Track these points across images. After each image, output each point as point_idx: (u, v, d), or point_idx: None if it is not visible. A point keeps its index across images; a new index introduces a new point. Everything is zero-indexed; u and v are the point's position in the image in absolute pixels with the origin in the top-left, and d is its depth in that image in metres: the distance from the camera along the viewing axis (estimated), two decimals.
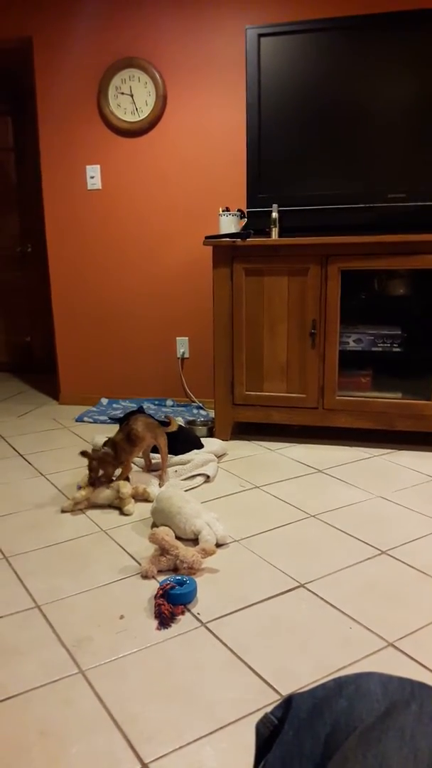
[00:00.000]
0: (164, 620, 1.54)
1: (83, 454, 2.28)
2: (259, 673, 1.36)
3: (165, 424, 2.57)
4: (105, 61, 3.42)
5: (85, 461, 2.30)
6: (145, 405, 3.62)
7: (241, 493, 2.40)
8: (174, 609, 1.58)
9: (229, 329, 2.90)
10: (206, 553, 1.81)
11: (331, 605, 1.62)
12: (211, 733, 1.19)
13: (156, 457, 2.58)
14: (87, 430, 3.30)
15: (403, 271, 2.95)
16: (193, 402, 3.71)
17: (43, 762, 1.13)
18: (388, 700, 0.55)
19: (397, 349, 2.88)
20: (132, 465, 2.68)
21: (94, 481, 2.27)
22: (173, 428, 2.55)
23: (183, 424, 3.02)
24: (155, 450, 2.55)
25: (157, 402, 3.70)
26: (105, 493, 2.26)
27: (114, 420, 2.71)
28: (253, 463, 2.72)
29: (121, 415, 2.71)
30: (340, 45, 2.71)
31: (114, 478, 2.35)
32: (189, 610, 1.60)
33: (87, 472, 2.32)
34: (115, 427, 2.58)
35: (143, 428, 2.40)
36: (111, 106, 3.44)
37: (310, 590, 1.69)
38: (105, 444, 2.33)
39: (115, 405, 3.71)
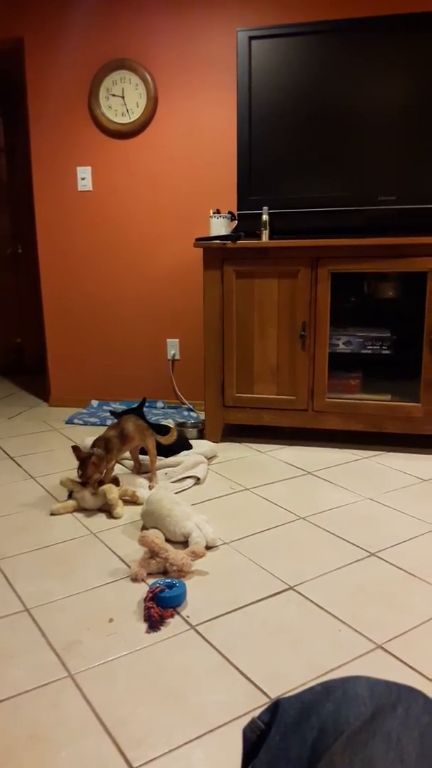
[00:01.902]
0: (154, 623, 1.54)
1: (75, 449, 2.27)
2: (248, 675, 1.36)
3: (166, 430, 2.58)
4: (96, 63, 3.42)
5: (75, 463, 2.29)
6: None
7: (231, 495, 2.40)
8: (163, 612, 1.58)
9: (220, 331, 2.90)
10: (196, 556, 1.81)
11: (321, 607, 1.62)
12: (200, 736, 1.20)
13: (145, 459, 2.58)
14: (77, 432, 3.29)
15: (392, 274, 2.97)
16: (184, 404, 3.71)
17: (32, 766, 1.13)
18: (374, 704, 0.56)
19: (387, 352, 2.89)
20: (121, 466, 2.68)
21: (84, 482, 2.26)
22: (169, 440, 2.53)
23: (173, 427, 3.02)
24: (144, 452, 2.55)
25: (147, 404, 3.70)
26: (93, 499, 2.26)
27: (114, 414, 2.71)
28: (243, 465, 2.72)
29: (121, 411, 2.71)
30: (331, 48, 2.72)
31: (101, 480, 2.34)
32: (178, 613, 1.60)
33: (75, 473, 2.31)
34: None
35: (133, 428, 2.41)
36: (102, 108, 3.44)
37: (299, 592, 1.69)
38: (96, 442, 2.32)
39: (105, 407, 3.70)
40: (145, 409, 3.46)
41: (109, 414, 3.50)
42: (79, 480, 2.27)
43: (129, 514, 2.23)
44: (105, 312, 3.74)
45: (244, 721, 1.19)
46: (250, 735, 0.61)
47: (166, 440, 2.52)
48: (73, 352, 3.83)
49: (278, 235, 2.82)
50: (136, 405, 2.80)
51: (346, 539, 2.00)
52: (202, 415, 3.36)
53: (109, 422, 3.34)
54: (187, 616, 1.59)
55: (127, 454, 2.61)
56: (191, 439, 2.90)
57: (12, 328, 4.96)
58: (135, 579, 1.76)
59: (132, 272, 3.65)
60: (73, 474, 2.39)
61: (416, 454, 2.81)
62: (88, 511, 2.26)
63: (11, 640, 1.50)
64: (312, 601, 1.65)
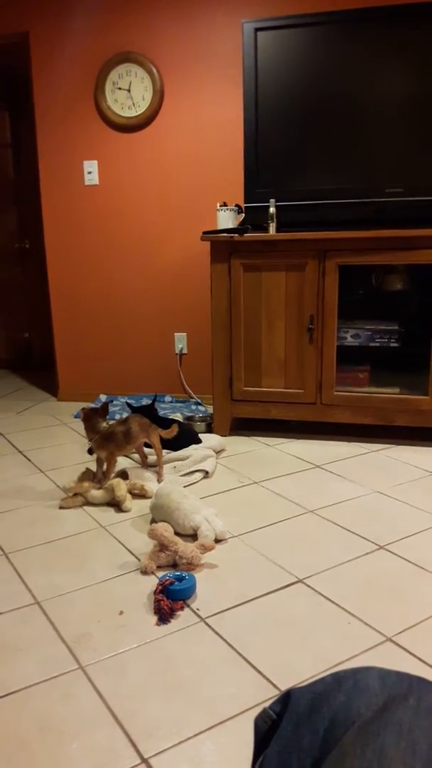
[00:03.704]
0: (164, 616, 1.55)
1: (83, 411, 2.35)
2: (258, 668, 1.37)
3: (171, 422, 2.59)
4: (102, 56, 3.41)
5: (84, 464, 2.30)
6: (144, 401, 3.61)
7: (240, 488, 2.41)
8: (173, 604, 1.58)
9: (227, 325, 2.89)
10: (205, 549, 1.82)
11: (330, 600, 1.62)
12: (210, 728, 1.20)
13: (151, 453, 2.58)
14: None
15: (400, 266, 2.95)
16: (192, 398, 3.71)
17: (43, 757, 1.14)
18: (386, 695, 0.56)
19: (395, 345, 2.88)
20: (129, 460, 2.69)
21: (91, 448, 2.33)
22: (170, 434, 2.54)
23: (182, 420, 3.03)
24: (149, 446, 2.56)
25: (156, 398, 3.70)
26: (101, 494, 2.27)
27: (130, 407, 2.72)
28: (251, 459, 2.72)
29: (137, 407, 2.73)
30: (337, 39, 2.70)
31: (104, 477, 2.37)
32: (188, 606, 1.61)
33: (82, 472, 2.36)
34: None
35: (138, 428, 2.41)
36: (108, 101, 3.43)
37: (308, 585, 1.70)
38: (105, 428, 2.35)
39: (114, 401, 3.70)
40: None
41: (118, 409, 3.51)
42: (79, 482, 2.32)
43: (138, 507, 2.24)
44: (112, 306, 3.74)
45: (254, 713, 1.19)
46: (262, 725, 0.61)
47: (167, 434, 2.52)
48: (81, 346, 3.83)
49: (285, 227, 2.81)
50: (148, 402, 2.81)
51: (355, 532, 2.00)
52: (210, 409, 3.36)
53: (117, 417, 3.35)
54: (197, 609, 1.60)
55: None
56: (200, 432, 2.89)
57: (20, 323, 4.97)
58: (145, 572, 1.76)
59: (139, 266, 3.65)
60: (78, 471, 2.43)
61: (425, 447, 2.80)
62: (97, 505, 2.26)
63: (22, 633, 1.51)
64: (321, 594, 1.65)
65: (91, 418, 2.34)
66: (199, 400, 3.67)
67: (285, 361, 2.87)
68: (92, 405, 2.29)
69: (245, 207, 2.92)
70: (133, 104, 3.41)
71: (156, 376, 3.77)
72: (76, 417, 3.48)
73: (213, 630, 1.51)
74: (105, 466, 2.37)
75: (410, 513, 2.13)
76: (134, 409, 2.69)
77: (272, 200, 2.78)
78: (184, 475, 2.51)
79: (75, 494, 2.28)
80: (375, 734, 0.52)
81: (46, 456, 2.83)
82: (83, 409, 2.35)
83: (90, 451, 2.35)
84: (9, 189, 4.77)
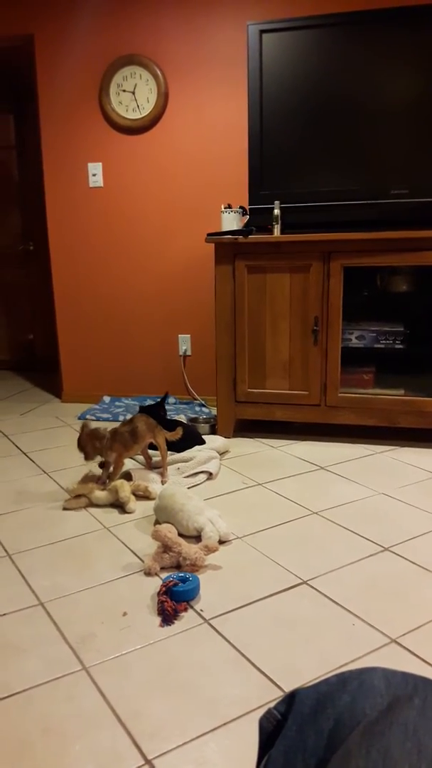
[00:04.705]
0: (167, 617, 1.54)
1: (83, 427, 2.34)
2: (262, 669, 1.36)
3: (176, 423, 2.59)
4: (107, 59, 3.42)
5: (87, 465, 2.31)
6: (148, 402, 3.61)
7: (244, 490, 2.40)
8: (177, 606, 1.58)
9: (232, 327, 2.89)
10: (209, 550, 1.82)
11: (334, 602, 1.62)
12: (214, 729, 1.20)
13: (155, 454, 2.59)
14: None
15: (405, 268, 2.95)
16: (196, 399, 3.71)
17: (46, 759, 1.14)
18: (391, 695, 0.55)
19: (400, 346, 2.87)
20: (133, 461, 2.69)
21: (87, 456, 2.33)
22: (175, 437, 2.54)
23: (185, 422, 3.02)
24: (153, 447, 2.56)
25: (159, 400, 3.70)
26: (104, 495, 2.27)
27: (143, 409, 2.72)
28: (255, 461, 2.72)
29: (147, 406, 2.73)
30: (342, 40, 2.70)
31: (108, 478, 2.36)
32: (192, 607, 1.61)
33: (86, 473, 2.38)
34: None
35: (144, 428, 2.41)
36: (113, 104, 3.44)
37: (312, 587, 1.69)
38: (108, 432, 2.35)
39: (117, 403, 3.71)
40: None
41: (122, 410, 3.51)
42: (82, 483, 2.32)
43: (142, 508, 2.24)
44: (116, 308, 3.75)
45: (258, 714, 1.19)
46: (267, 725, 0.61)
47: (172, 437, 2.52)
48: (85, 348, 3.84)
49: (290, 229, 2.81)
50: (157, 401, 2.82)
51: (359, 534, 1.99)
52: (214, 411, 3.36)
53: (121, 418, 3.35)
54: (201, 610, 1.59)
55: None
56: (203, 434, 2.89)
57: (24, 324, 4.98)
58: (148, 573, 1.76)
59: (143, 268, 3.66)
60: (82, 472, 2.44)
61: (430, 448, 2.79)
62: (101, 506, 2.26)
63: (26, 634, 1.51)
64: (325, 596, 1.65)
65: (86, 445, 2.33)
66: (203, 402, 3.67)
67: (289, 363, 2.87)
68: (90, 425, 2.28)
69: (249, 209, 2.92)
70: (138, 106, 3.42)
71: (160, 377, 3.77)
72: (79, 418, 3.48)
73: (217, 631, 1.50)
74: (111, 468, 2.36)
75: (415, 515, 2.13)
76: (141, 409, 2.69)
77: (277, 202, 2.78)
78: (187, 476, 2.51)
79: (79, 495, 2.28)
80: (380, 734, 0.52)
81: (50, 457, 2.84)
82: (81, 435, 2.34)
83: (101, 465, 2.35)
84: (13, 191, 4.79)
